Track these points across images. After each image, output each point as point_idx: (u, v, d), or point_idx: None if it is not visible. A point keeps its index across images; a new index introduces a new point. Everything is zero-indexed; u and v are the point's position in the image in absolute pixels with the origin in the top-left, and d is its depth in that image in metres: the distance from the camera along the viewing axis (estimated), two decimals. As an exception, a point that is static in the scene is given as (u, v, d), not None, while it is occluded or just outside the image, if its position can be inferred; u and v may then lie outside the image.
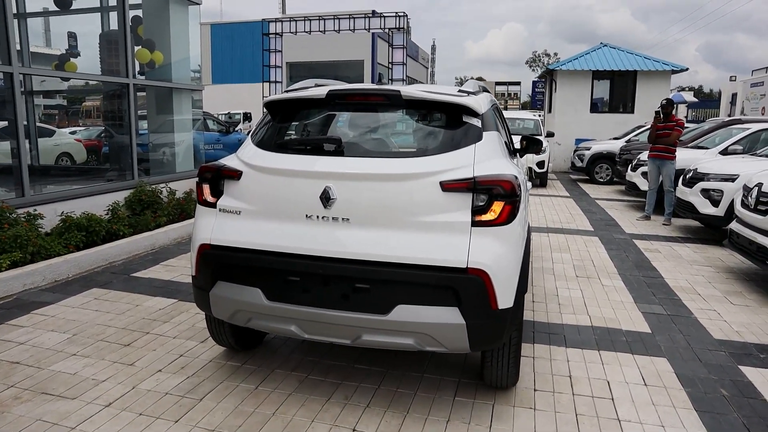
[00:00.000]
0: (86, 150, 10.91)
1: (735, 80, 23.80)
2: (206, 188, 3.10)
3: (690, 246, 7.07)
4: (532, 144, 4.22)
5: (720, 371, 3.52)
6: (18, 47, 7.05)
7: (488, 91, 3.89)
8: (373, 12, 26.11)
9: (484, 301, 2.63)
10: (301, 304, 2.79)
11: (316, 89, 3.22)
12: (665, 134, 8.22)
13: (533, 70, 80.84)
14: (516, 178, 2.76)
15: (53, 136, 10.38)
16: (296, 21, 24.39)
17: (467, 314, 2.62)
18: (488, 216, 2.67)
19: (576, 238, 7.49)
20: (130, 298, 4.69)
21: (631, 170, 10.18)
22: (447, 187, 2.66)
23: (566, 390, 3.26)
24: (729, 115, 21.75)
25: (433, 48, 74.49)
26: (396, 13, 23.78)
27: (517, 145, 4.30)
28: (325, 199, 2.73)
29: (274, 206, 2.87)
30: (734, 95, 22.68)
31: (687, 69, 16.67)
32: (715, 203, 6.89)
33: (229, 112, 29.12)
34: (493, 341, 2.75)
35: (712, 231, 7.93)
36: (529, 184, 6.39)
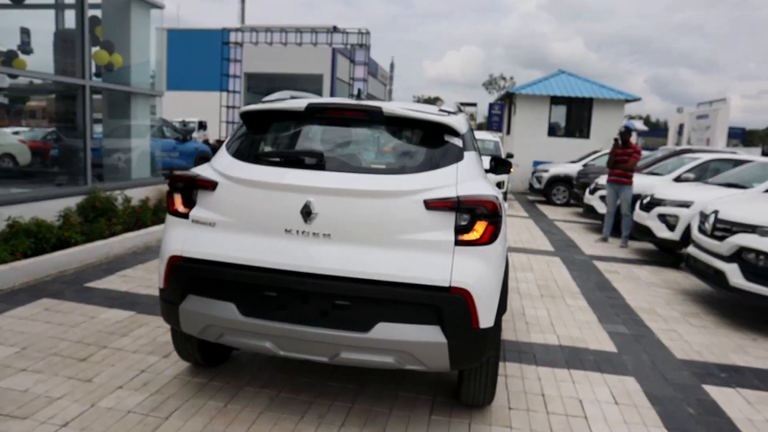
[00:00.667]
0: (31, 152, 10.36)
1: (682, 112, 25.06)
2: (178, 198, 2.97)
3: (647, 268, 7.30)
4: (501, 165, 4.25)
5: (685, 390, 3.61)
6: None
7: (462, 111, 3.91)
8: (335, 27, 26.21)
9: (466, 320, 2.60)
10: (278, 320, 2.68)
11: (296, 101, 3.15)
12: (623, 160, 8.52)
13: (489, 92, 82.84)
14: (497, 198, 2.76)
15: (-7, 135, 9.80)
16: (258, 32, 24.20)
17: (449, 333, 2.58)
18: (471, 235, 2.65)
19: (538, 257, 7.62)
20: (84, 310, 4.43)
21: (589, 193, 10.50)
22: (431, 205, 2.64)
23: (540, 408, 3.26)
24: (677, 145, 22.85)
25: (392, 66, 75.43)
26: (359, 30, 23.94)
27: (486, 165, 4.33)
28: (306, 213, 2.65)
29: (251, 219, 2.77)
30: (681, 126, 23.84)
31: (640, 99, 17.47)
32: (671, 228, 7.16)
33: (183, 120, 28.44)
34: (474, 360, 2.72)
35: (666, 254, 8.23)
36: (506, 205, 6.46)
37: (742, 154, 11.19)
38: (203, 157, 13.78)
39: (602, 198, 9.77)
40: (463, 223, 2.66)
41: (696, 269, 5.56)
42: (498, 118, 22.17)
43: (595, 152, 15.27)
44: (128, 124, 8.36)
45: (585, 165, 14.44)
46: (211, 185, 2.85)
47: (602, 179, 10.12)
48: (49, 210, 6.22)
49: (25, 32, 8.30)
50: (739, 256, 4.89)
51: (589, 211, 10.51)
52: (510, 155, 15.51)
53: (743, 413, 3.35)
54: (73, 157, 7.49)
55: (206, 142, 20.05)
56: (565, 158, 16.86)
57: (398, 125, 3.05)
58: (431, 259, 2.61)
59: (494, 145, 14.77)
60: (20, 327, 4.00)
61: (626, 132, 8.69)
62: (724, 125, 20.28)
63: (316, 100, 3.13)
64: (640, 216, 7.90)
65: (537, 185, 15.21)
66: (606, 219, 9.10)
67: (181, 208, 2.94)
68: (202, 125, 31.86)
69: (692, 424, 3.17)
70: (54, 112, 8.16)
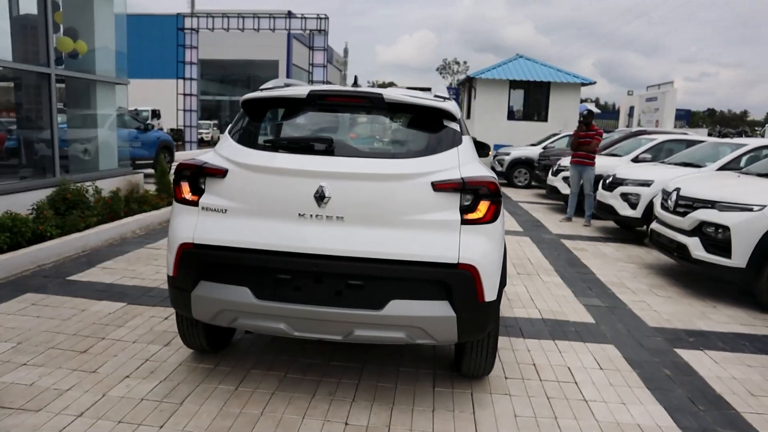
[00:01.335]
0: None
1: (632, 95, 26.12)
2: (185, 186, 3.01)
3: (611, 245, 7.71)
4: (480, 148, 4.44)
5: (660, 354, 3.91)
6: None
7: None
8: (289, 13, 25.86)
9: (473, 295, 2.78)
10: (293, 302, 2.78)
11: (297, 89, 3.23)
12: (586, 142, 8.89)
13: (444, 77, 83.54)
14: (497, 179, 2.94)
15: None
16: (213, 17, 23.60)
17: (457, 307, 2.75)
18: (476, 215, 2.82)
19: (509, 237, 7.89)
20: (73, 303, 4.39)
21: (552, 175, 10.89)
22: (438, 187, 2.78)
23: (533, 377, 3.49)
24: (627, 126, 23.79)
25: (346, 51, 74.92)
26: (317, 15, 23.65)
27: None
28: (320, 197, 2.75)
29: (264, 204, 2.85)
30: (632, 108, 24.88)
31: (595, 82, 18.08)
32: (633, 206, 7.57)
33: (136, 109, 27.54)
34: (479, 332, 2.90)
35: (627, 231, 8.68)
36: None
37: (692, 135, 11.82)
38: (166, 147, 13.46)
39: (565, 179, 10.15)
40: (467, 203, 2.82)
41: (659, 244, 5.94)
42: (455, 102, 22.46)
43: (554, 135, 15.76)
44: (95, 114, 8.13)
45: (545, 148, 14.89)
46: (221, 172, 2.90)
47: (564, 161, 10.52)
48: (20, 203, 6.05)
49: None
50: (700, 230, 5.27)
51: (552, 192, 10.91)
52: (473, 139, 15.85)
53: (712, 372, 3.68)
54: (40, 149, 7.26)
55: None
56: (524, 141, 17.33)
57: (399, 111, 3.17)
58: (439, 237, 2.76)
59: (458, 129, 15.03)
60: (10, 323, 3.95)
61: (589, 115, 9.06)
62: (671, 107, 21.28)
63: (316, 87, 3.21)
64: (603, 195, 8.29)
65: (499, 168, 15.59)
66: (570, 199, 9.48)
67: (189, 196, 2.98)
68: (155, 114, 30.93)
69: (670, 383, 3.47)
70: (16, 102, 7.83)
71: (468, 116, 21.15)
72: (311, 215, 2.78)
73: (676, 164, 8.14)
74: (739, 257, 4.90)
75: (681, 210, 5.54)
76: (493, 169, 16.31)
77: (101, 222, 6.64)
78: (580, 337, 4.18)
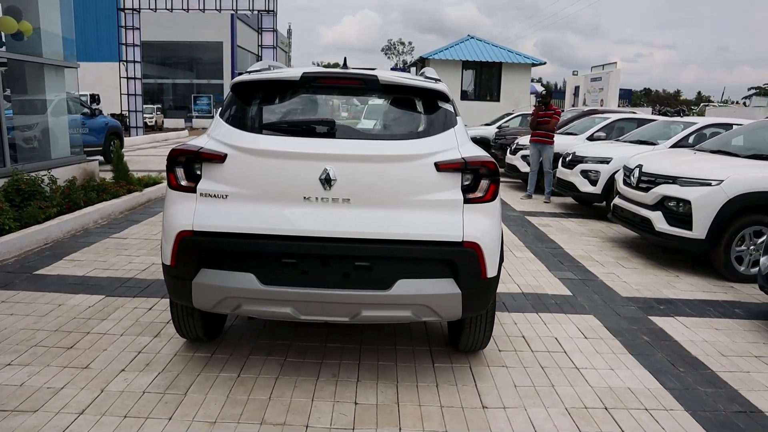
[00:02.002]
0: None
1: (577, 75, 26.92)
2: (180, 172, 2.93)
3: (573, 220, 8.02)
4: None
5: (637, 322, 4.15)
6: None
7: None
8: (234, -9, 25.02)
9: (477, 271, 2.86)
10: (300, 286, 2.78)
11: (291, 70, 3.19)
12: (545, 121, 9.15)
13: (389, 57, 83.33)
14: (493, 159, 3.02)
15: None
16: (155, -4, 22.45)
17: (462, 284, 2.82)
18: (477, 194, 2.89)
19: (476, 216, 8.07)
20: (47, 298, 4.20)
21: (511, 154, 11.15)
22: (442, 167, 2.83)
23: (525, 348, 3.63)
24: (573, 106, 24.56)
25: (289, 32, 73.52)
26: (265, -6, 22.94)
27: None
28: (326, 180, 2.74)
29: (267, 189, 2.81)
30: (577, 88, 25.66)
31: (545, 63, 18.55)
32: (593, 182, 7.88)
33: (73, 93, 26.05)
34: (481, 307, 2.99)
35: (586, 207, 9.03)
36: None
37: (641, 114, 12.35)
38: (115, 133, 12.89)
39: (524, 158, 10.43)
40: (467, 182, 2.89)
41: (623, 218, 6.23)
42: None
43: (507, 114, 16.09)
44: (44, 99, 7.69)
45: (499, 127, 15.19)
46: (219, 157, 2.84)
47: (522, 140, 10.79)
48: (-29, 196, 5.69)
49: None
50: (662, 204, 5.56)
51: (511, 171, 11.18)
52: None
53: (685, 336, 3.93)
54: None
55: None
56: (478, 121, 17.62)
57: (393, 93, 3.18)
58: (444, 217, 2.82)
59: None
60: (-17, 321, 3.75)
61: (547, 95, 9.31)
62: (615, 87, 22.09)
63: (309, 69, 3.17)
64: (563, 173, 8.58)
65: (456, 149, 15.80)
66: (530, 177, 9.76)
67: (185, 182, 2.90)
68: (94, 98, 29.42)
69: (650, 348, 3.69)
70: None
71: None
72: (317, 198, 2.77)
73: (631, 142, 8.51)
74: (699, 229, 5.22)
75: (644, 186, 5.83)
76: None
77: (61, 213, 6.33)
78: (561, 309, 4.37)
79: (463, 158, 2.86)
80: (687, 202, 5.29)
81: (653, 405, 2.98)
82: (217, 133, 2.99)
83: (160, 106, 35.82)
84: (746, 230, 5.23)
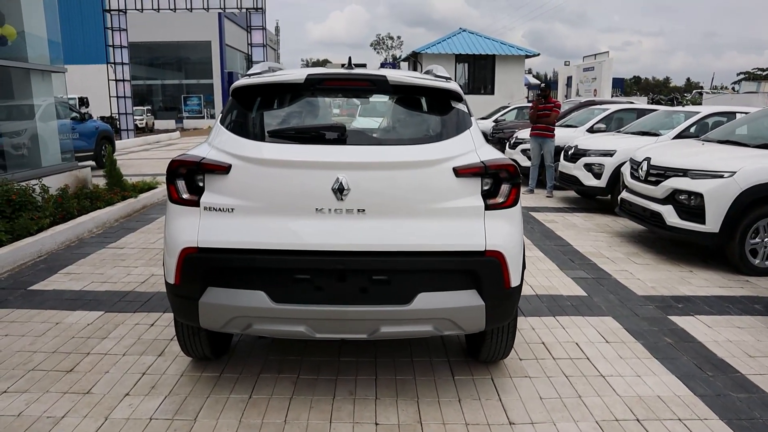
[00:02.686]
0: None
1: (569, 65, 26.77)
2: (182, 184, 2.75)
3: (579, 215, 7.89)
4: None
5: (657, 323, 4.02)
6: None
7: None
8: (222, -11, 24.66)
9: (500, 281, 2.71)
10: (314, 303, 2.62)
11: (295, 72, 3.02)
12: (545, 114, 9.00)
13: (378, 52, 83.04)
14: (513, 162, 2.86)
15: None
16: (141, -4, 22.11)
17: (485, 295, 2.67)
18: (498, 199, 2.74)
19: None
20: (43, 316, 4.02)
21: (510, 148, 11.01)
22: (461, 172, 2.67)
23: (546, 356, 3.49)
24: (566, 96, 24.43)
25: (277, 29, 72.94)
26: (253, -8, 22.65)
27: None
28: (339, 190, 2.58)
29: (277, 201, 2.64)
30: (569, 78, 25.51)
31: (539, 54, 18.39)
32: (597, 176, 7.75)
33: (62, 97, 25.63)
34: (505, 318, 2.84)
35: (589, 200, 8.91)
36: None
37: (639, 104, 12.23)
38: (106, 137, 12.63)
39: (524, 152, 10.29)
40: (487, 187, 2.73)
41: (631, 213, 6.10)
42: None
43: (503, 107, 15.94)
44: (31, 105, 7.45)
45: (496, 121, 15.05)
46: (223, 168, 2.66)
47: (521, 133, 10.65)
48: (-41, 209, 5.48)
49: None
50: (673, 197, 5.43)
51: (511, 166, 11.01)
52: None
53: (708, 336, 3.80)
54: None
55: None
56: (474, 115, 17.42)
57: (404, 93, 3.02)
58: (464, 225, 2.67)
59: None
60: (-24, 344, 3.56)
61: (547, 87, 9.16)
62: (608, 77, 21.96)
63: (314, 70, 3.00)
64: (566, 166, 8.45)
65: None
66: (531, 171, 9.61)
67: (186, 195, 2.73)
68: (82, 102, 29.00)
69: (674, 351, 3.56)
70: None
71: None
72: (330, 209, 2.61)
73: (633, 133, 8.38)
74: (713, 222, 5.09)
75: (653, 179, 5.69)
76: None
77: (54, 223, 6.13)
78: (578, 311, 4.23)
79: (482, 162, 2.71)
80: (699, 195, 5.16)
81: (686, 414, 2.85)
82: (218, 142, 2.82)
83: (150, 107, 35.41)
84: (760, 222, 5.11)
